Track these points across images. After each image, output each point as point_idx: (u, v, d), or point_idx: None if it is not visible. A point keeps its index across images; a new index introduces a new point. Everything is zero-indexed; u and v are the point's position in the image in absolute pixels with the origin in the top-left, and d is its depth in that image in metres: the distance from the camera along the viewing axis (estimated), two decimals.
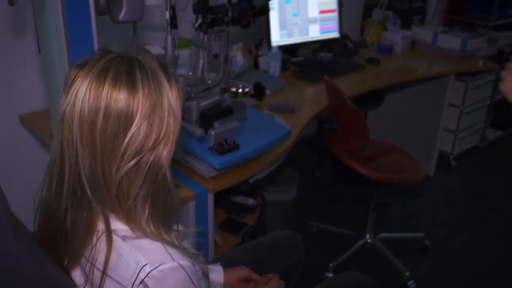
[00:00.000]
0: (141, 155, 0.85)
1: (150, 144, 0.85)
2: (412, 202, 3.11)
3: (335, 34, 3.07)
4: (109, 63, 0.84)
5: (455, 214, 3.01)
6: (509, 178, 3.44)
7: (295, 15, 2.84)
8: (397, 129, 3.39)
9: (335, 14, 3.05)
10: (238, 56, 2.49)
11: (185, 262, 0.87)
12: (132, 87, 0.83)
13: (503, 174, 3.50)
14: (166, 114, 0.87)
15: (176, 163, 1.69)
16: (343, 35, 3.11)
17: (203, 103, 1.73)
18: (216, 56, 1.77)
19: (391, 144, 2.57)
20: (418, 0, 3.57)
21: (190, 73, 1.77)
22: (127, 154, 0.84)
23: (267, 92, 2.37)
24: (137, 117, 0.83)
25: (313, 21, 2.95)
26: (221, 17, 1.66)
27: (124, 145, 0.83)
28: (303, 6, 2.88)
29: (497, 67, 3.24)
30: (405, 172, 2.31)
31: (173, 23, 1.51)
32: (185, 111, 1.71)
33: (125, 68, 0.84)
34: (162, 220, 0.93)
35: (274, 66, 2.61)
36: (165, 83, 0.87)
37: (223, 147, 1.60)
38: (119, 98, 0.82)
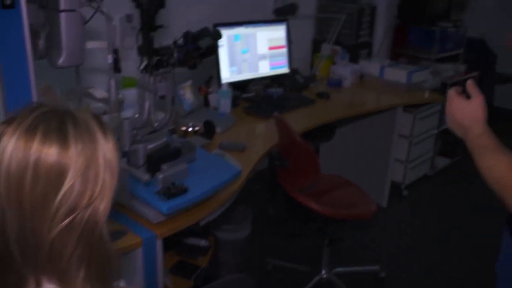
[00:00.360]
0: (75, 214, 0.81)
1: (84, 202, 0.81)
2: (366, 233, 3.13)
3: (285, 70, 3.11)
4: (38, 119, 0.80)
5: (407, 244, 3.05)
6: (457, 205, 3.53)
7: (244, 51, 2.86)
8: (349, 162, 3.43)
9: (284, 50, 3.09)
10: (187, 94, 2.47)
11: None
12: (63, 143, 0.79)
13: (452, 201, 3.58)
14: (101, 169, 0.83)
15: (121, 207, 1.64)
16: (293, 70, 3.15)
17: (150, 146, 1.69)
18: (163, 97, 1.75)
19: (342, 178, 2.59)
20: (365, 35, 3.67)
21: (136, 115, 1.73)
22: (59, 213, 0.79)
23: (218, 130, 2.35)
24: (70, 174, 0.79)
25: (263, 57, 2.98)
26: (166, 59, 1.64)
27: (55, 204, 0.79)
28: (252, 43, 2.91)
29: (441, 99, 3.35)
30: (356, 206, 2.32)
31: (117, 66, 1.49)
32: (132, 154, 1.67)
33: (56, 123, 0.80)
34: (100, 278, 0.88)
35: (224, 103, 2.60)
36: (99, 136, 0.84)
37: (171, 191, 1.56)
38: (49, 153, 0.78)
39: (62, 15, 1.28)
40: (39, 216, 0.79)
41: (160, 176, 1.62)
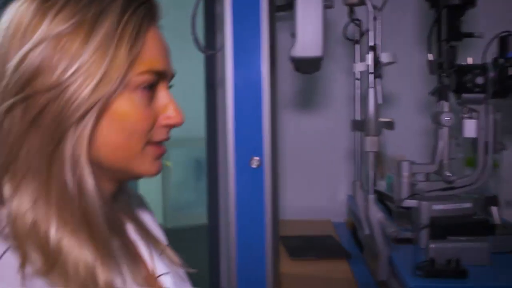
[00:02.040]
0: (28, 92, 0.52)
1: (49, 80, 0.52)
2: None
3: None
4: None
5: None
6: None
7: None
8: None
9: None
10: None
11: None
12: None
13: None
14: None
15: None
16: None
17: (437, 207, 1.13)
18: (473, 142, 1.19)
19: None
20: None
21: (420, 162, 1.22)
22: (11, 83, 0.51)
23: None
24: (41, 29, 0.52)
25: None
26: (471, 79, 1.11)
27: (11, 68, 0.51)
28: None
29: None
30: None
31: (377, 72, 1.07)
32: (413, 212, 1.16)
33: None
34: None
35: None
36: None
37: (436, 268, 0.95)
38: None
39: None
40: None
41: (431, 245, 1.03)
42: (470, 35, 1.14)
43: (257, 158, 1.03)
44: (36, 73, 0.51)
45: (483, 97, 1.13)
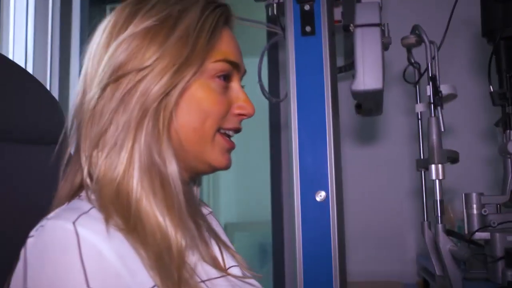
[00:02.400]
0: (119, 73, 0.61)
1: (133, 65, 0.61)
2: None
3: None
4: None
5: None
6: None
7: None
8: None
9: None
10: None
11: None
12: None
13: None
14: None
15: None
16: None
17: None
18: None
19: None
20: None
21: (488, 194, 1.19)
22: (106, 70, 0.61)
23: None
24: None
25: None
26: None
27: (107, 55, 0.61)
28: None
29: None
30: None
31: (437, 99, 1.10)
32: (486, 245, 1.13)
33: None
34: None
35: None
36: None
37: None
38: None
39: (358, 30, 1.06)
40: (94, 67, 0.63)
41: (509, 272, 1.00)
42: None
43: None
44: (127, 59, 0.60)
45: None
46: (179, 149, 0.62)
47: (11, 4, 1.95)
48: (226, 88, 0.65)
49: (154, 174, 0.58)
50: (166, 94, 0.59)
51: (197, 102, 0.62)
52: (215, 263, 0.63)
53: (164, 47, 0.60)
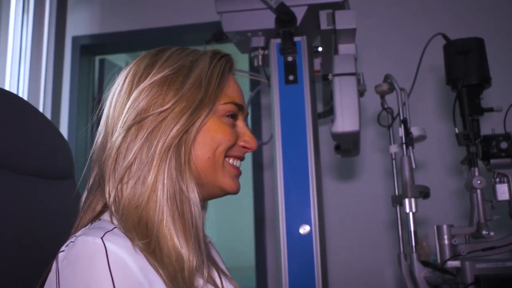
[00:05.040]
0: (143, 116, 0.71)
1: (155, 108, 0.71)
2: None
3: None
4: None
5: None
6: None
7: None
8: None
9: None
10: None
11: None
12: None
13: None
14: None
15: None
16: None
17: (480, 266, 1.20)
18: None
19: None
20: None
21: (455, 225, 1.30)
22: (129, 112, 0.71)
23: None
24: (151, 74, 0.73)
25: None
26: (495, 145, 1.24)
27: (130, 99, 0.71)
28: None
29: None
30: None
31: (409, 140, 1.22)
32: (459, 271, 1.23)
33: None
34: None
35: None
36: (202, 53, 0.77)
37: None
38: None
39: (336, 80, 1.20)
40: (117, 111, 0.73)
41: None
42: (490, 109, 1.29)
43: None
44: (149, 103, 0.70)
45: (510, 161, 1.25)
46: (197, 177, 0.72)
47: (8, 55, 2.07)
48: (233, 125, 0.77)
49: (176, 201, 0.67)
50: (185, 131, 0.70)
51: (211, 134, 0.72)
52: (216, 286, 0.72)
53: (181, 92, 0.70)
